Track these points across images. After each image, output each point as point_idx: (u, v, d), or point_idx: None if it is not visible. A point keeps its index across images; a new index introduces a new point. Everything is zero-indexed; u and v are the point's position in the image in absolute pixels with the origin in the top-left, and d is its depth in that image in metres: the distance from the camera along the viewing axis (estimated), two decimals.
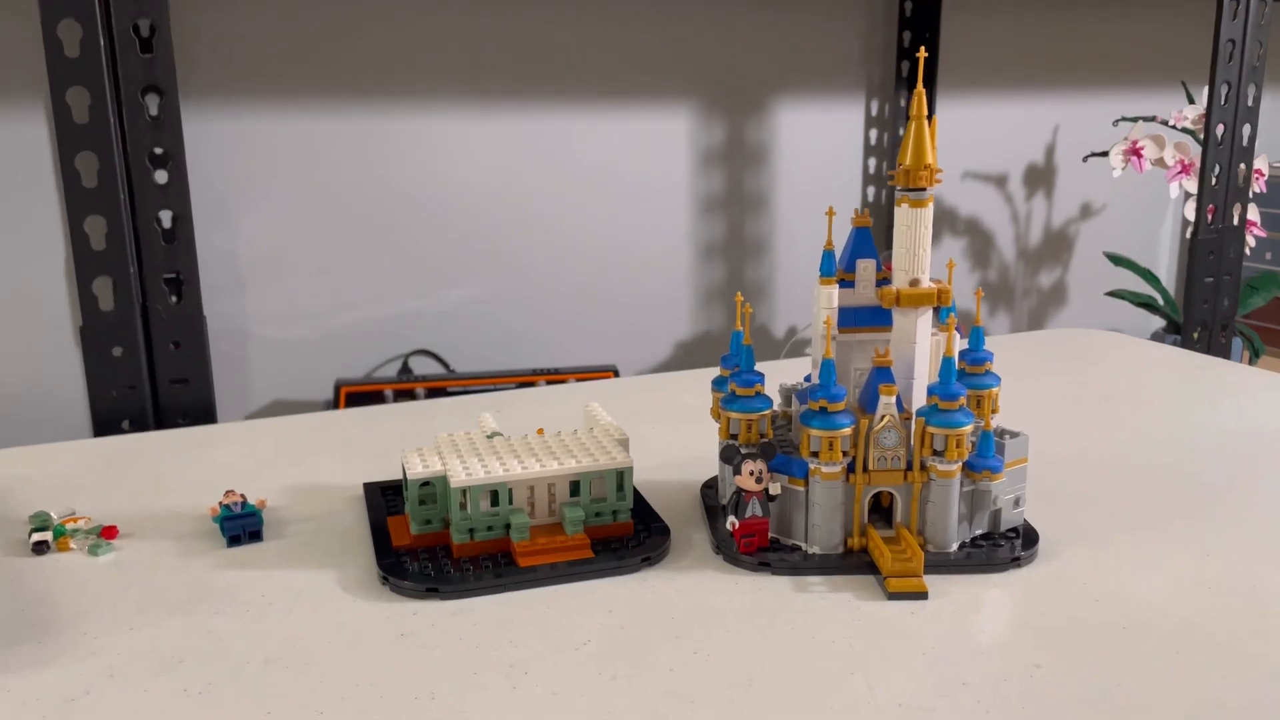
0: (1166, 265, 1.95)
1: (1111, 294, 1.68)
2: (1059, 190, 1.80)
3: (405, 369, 1.37)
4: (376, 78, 1.28)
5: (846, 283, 0.62)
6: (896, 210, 0.60)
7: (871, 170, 1.63)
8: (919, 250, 0.60)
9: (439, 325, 1.38)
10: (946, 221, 1.70)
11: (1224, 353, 1.50)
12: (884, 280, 0.62)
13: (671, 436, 0.84)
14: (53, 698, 0.49)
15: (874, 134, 1.62)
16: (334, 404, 1.26)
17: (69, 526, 0.65)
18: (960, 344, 0.66)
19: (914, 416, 0.60)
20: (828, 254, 0.61)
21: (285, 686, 0.49)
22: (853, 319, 0.62)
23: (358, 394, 1.25)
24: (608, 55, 1.41)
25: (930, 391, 0.60)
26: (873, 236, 0.62)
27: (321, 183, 1.27)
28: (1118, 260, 1.67)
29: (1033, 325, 1.83)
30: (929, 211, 0.59)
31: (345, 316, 1.32)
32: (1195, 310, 1.46)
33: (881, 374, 0.60)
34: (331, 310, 1.31)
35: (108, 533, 0.65)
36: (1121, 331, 1.20)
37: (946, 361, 0.59)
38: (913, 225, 0.60)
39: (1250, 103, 1.42)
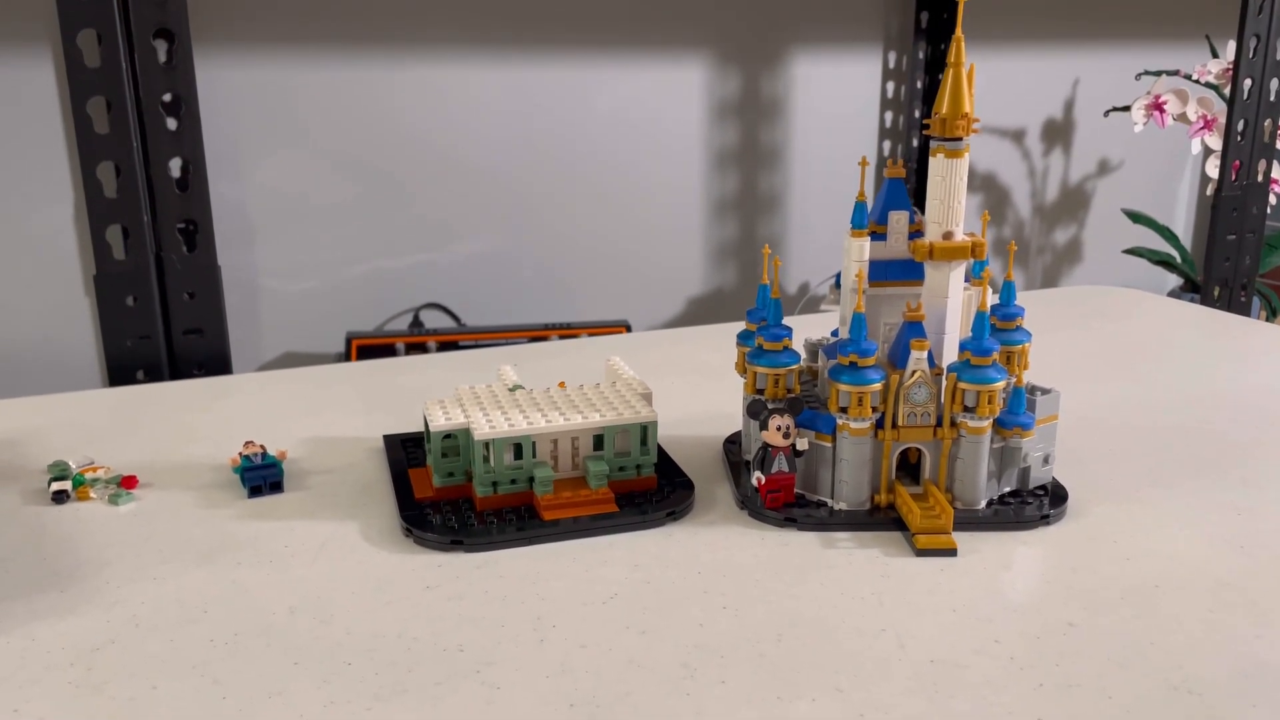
0: (1184, 223, 1.93)
1: (1129, 251, 1.66)
2: (1077, 146, 1.77)
3: (416, 322, 1.36)
4: (389, 26, 1.25)
5: (878, 235, 0.61)
6: (931, 161, 0.58)
7: (888, 124, 1.61)
8: (953, 202, 0.58)
9: (450, 278, 1.37)
10: None
11: (1244, 311, 1.49)
12: (917, 233, 0.61)
13: (690, 392, 0.84)
14: (79, 646, 0.48)
15: (891, 87, 1.60)
16: (345, 357, 1.25)
17: (88, 476, 0.65)
18: (991, 298, 0.65)
19: (945, 372, 0.59)
20: (860, 205, 0.59)
21: (312, 637, 0.49)
22: (884, 272, 0.61)
23: (369, 347, 1.25)
24: (621, 3, 1.38)
25: (962, 347, 0.59)
26: (906, 188, 0.61)
27: (331, 133, 1.26)
28: (1136, 217, 1.66)
29: (1047, 283, 1.82)
30: (965, 162, 0.58)
31: (356, 269, 1.31)
32: (1216, 268, 1.45)
33: (913, 329, 0.59)
34: (342, 262, 1.30)
35: (128, 482, 0.65)
36: (1138, 290, 1.19)
37: (980, 316, 0.58)
38: (947, 176, 0.58)
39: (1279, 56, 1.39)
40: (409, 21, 1.26)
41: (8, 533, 0.59)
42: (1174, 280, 1.87)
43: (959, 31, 0.56)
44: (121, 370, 0.99)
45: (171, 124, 0.98)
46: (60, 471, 0.65)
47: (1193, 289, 1.63)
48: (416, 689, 0.45)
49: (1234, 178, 1.43)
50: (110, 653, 0.48)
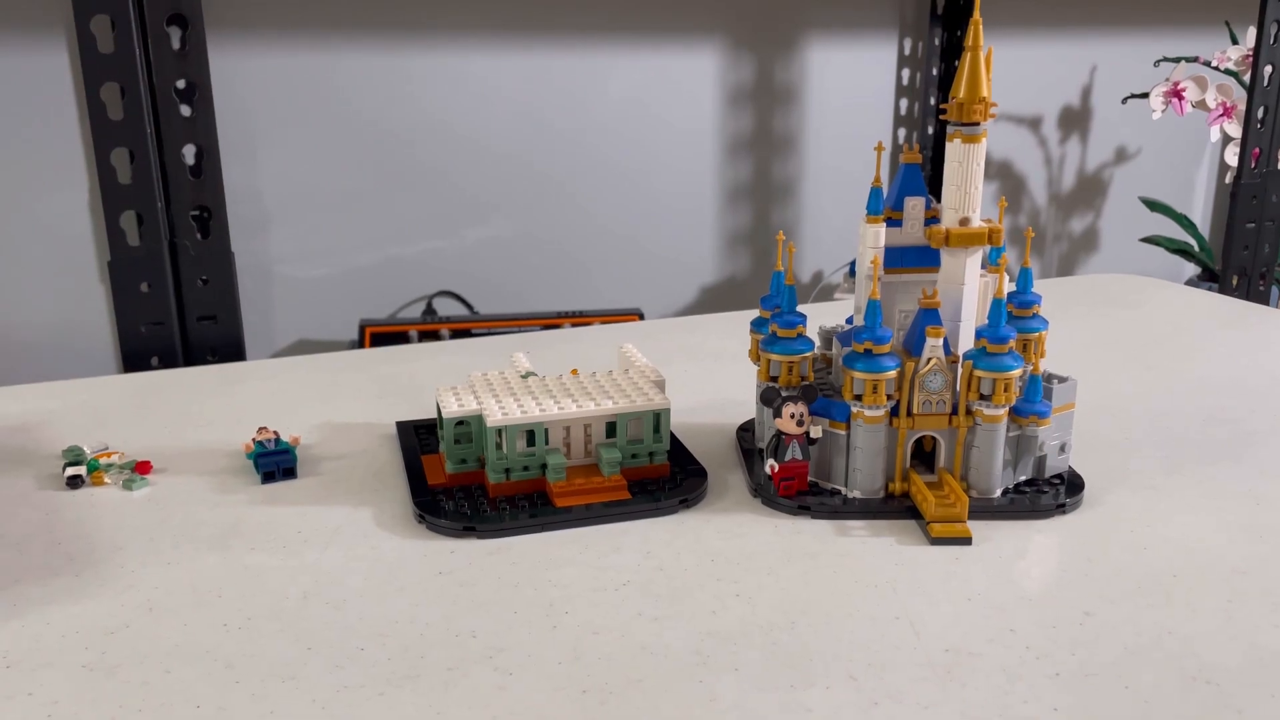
0: (1202, 211, 1.91)
1: (1146, 240, 1.65)
2: (1094, 133, 1.76)
3: (429, 310, 1.36)
4: (401, 13, 1.25)
5: (894, 221, 0.60)
6: (948, 146, 0.58)
7: (903, 111, 1.60)
8: (970, 188, 0.58)
9: (463, 265, 1.37)
10: None
11: (1262, 300, 1.47)
12: (933, 219, 0.60)
13: (703, 379, 0.83)
14: (93, 630, 0.49)
15: (906, 73, 1.59)
16: (359, 344, 1.25)
17: (103, 461, 0.65)
18: (1008, 286, 0.64)
19: (961, 360, 0.59)
20: (875, 190, 0.59)
21: (324, 622, 0.49)
22: (899, 259, 0.61)
23: (382, 334, 1.25)
24: None
25: (978, 334, 0.58)
26: (922, 173, 0.60)
27: (345, 119, 1.25)
28: (1153, 205, 1.64)
29: (1063, 271, 1.80)
30: (982, 147, 0.57)
31: (369, 256, 1.31)
32: (1235, 256, 1.44)
33: (928, 316, 0.58)
34: (355, 249, 1.30)
35: (142, 468, 0.65)
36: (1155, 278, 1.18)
37: (996, 303, 0.57)
38: (964, 161, 0.58)
39: None
40: (421, 8, 1.26)
41: (23, 517, 0.60)
42: (1192, 269, 1.85)
43: (977, 15, 0.56)
44: (136, 356, 1.00)
45: (185, 110, 0.98)
46: (75, 457, 0.65)
47: (1211, 278, 1.62)
48: (429, 674, 0.45)
49: (1253, 165, 1.41)
50: (124, 637, 0.48)
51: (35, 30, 1.08)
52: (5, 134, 1.10)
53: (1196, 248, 1.63)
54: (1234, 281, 1.46)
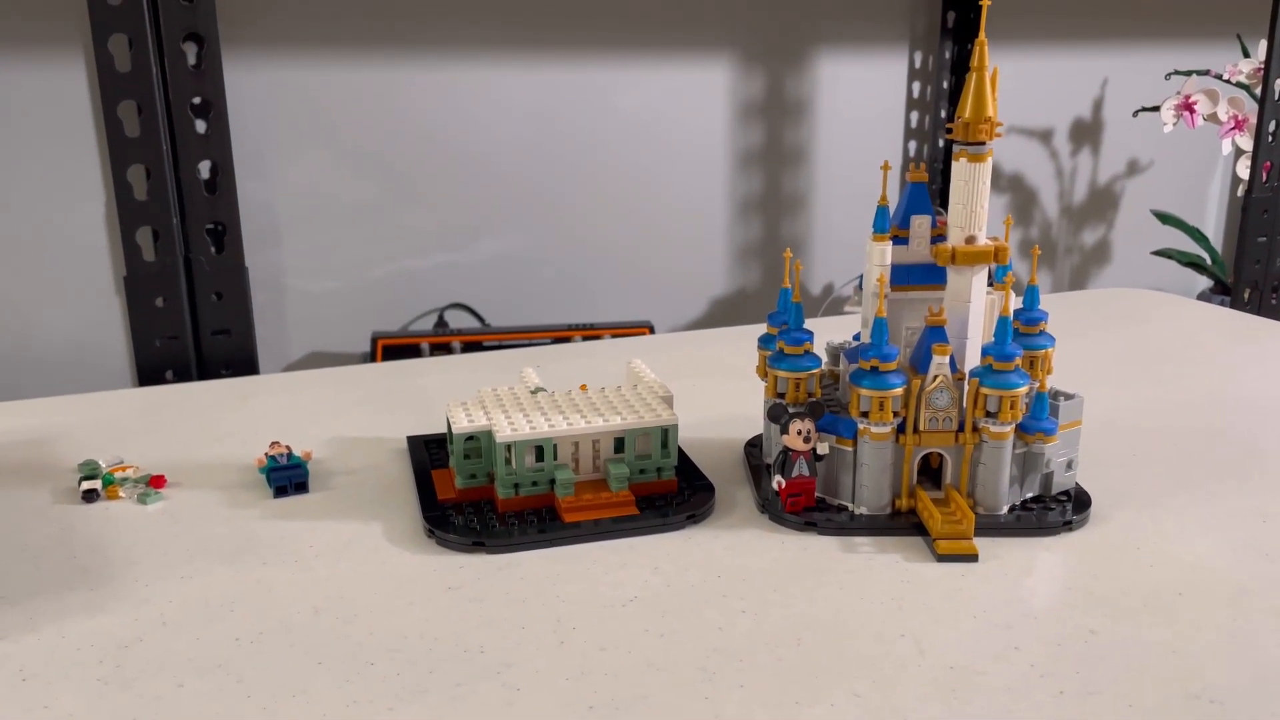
0: (1214, 224, 1.91)
1: (1158, 253, 1.65)
2: (1105, 146, 1.75)
3: (441, 322, 1.37)
4: (413, 28, 1.26)
5: (900, 239, 0.61)
6: (954, 165, 0.58)
7: (913, 124, 1.60)
8: (976, 206, 0.58)
9: (474, 278, 1.38)
10: None
11: (1275, 314, 1.47)
12: (939, 237, 0.61)
13: (712, 394, 0.84)
14: (108, 644, 0.49)
15: (916, 87, 1.59)
16: (371, 356, 1.26)
17: (118, 475, 0.66)
18: (1014, 303, 0.64)
19: (967, 377, 0.59)
20: (881, 209, 0.59)
21: (335, 637, 0.50)
22: (905, 276, 0.61)
23: (394, 347, 1.26)
24: (644, 3, 1.38)
25: (984, 352, 0.58)
26: (929, 191, 0.60)
27: (358, 134, 1.27)
28: (1165, 218, 1.64)
29: (1074, 285, 1.80)
30: (988, 166, 0.58)
31: (381, 269, 1.32)
32: (1246, 270, 1.43)
33: (935, 333, 0.59)
34: (367, 262, 1.31)
35: (156, 482, 0.66)
36: (1166, 292, 1.18)
37: (1003, 321, 0.58)
38: (970, 180, 0.58)
39: None
40: (433, 23, 1.27)
41: (39, 531, 0.61)
42: (1204, 282, 1.85)
43: (982, 35, 0.56)
44: (151, 370, 1.01)
45: (200, 127, 0.99)
46: (90, 470, 0.66)
47: (1224, 290, 1.61)
48: (437, 690, 0.46)
49: (1265, 179, 1.41)
50: (138, 650, 0.49)
51: (54, 48, 1.09)
52: (24, 150, 1.11)
53: (1209, 261, 1.63)
54: (1245, 295, 1.46)
